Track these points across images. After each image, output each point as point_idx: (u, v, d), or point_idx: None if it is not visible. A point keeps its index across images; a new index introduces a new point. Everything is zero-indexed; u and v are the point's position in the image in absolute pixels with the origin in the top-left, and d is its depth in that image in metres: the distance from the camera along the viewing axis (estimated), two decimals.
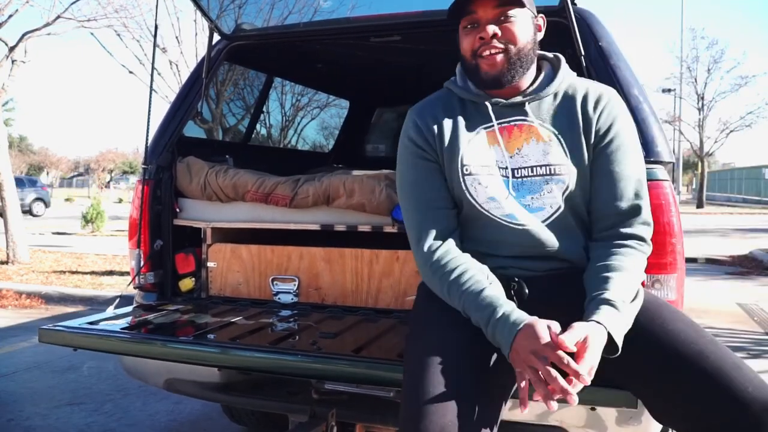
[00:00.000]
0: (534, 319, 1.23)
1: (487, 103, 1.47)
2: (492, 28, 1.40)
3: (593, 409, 1.54)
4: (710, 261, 8.80)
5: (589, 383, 1.15)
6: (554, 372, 1.14)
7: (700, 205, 25.64)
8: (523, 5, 1.42)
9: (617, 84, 1.89)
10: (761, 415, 1.15)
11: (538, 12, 1.50)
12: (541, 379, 1.15)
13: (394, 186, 2.18)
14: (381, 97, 4.64)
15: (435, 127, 1.49)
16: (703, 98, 27.01)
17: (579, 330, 1.20)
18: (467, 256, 1.42)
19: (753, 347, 4.33)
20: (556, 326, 1.21)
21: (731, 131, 27.10)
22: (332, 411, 1.84)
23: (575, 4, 2.06)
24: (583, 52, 1.96)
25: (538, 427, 1.66)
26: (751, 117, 26.64)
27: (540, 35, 1.50)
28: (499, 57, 1.41)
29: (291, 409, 1.93)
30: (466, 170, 1.44)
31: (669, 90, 28.50)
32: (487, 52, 1.41)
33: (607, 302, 1.27)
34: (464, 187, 1.44)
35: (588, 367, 1.16)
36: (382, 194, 2.15)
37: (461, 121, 1.49)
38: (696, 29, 38.66)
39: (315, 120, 4.72)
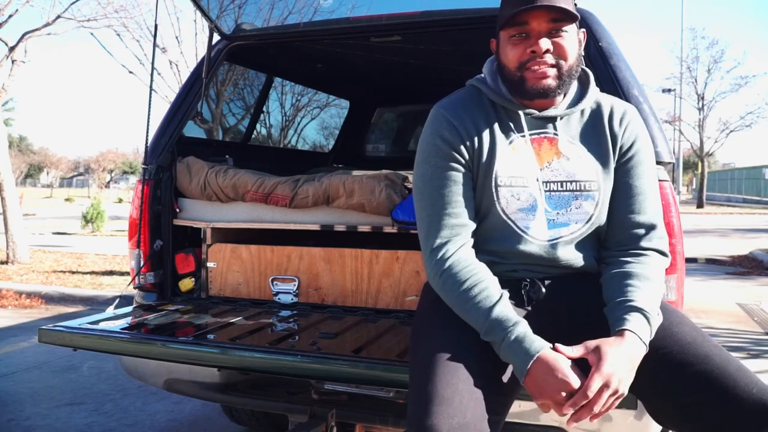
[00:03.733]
0: (553, 353, 1.21)
1: (520, 113, 1.43)
2: (546, 43, 1.35)
3: None
4: (710, 261, 8.80)
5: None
6: (579, 410, 1.18)
7: (700, 205, 25.65)
8: (576, 20, 1.38)
9: (617, 84, 1.89)
10: (766, 416, 1.15)
11: None
12: (564, 412, 1.19)
13: (394, 186, 2.19)
14: (381, 97, 4.64)
15: (473, 131, 1.42)
16: (703, 98, 27.05)
17: (619, 359, 1.20)
18: (481, 266, 1.38)
19: (753, 347, 4.33)
20: (569, 351, 1.21)
21: (731, 131, 27.17)
22: (332, 411, 1.84)
23: (575, 4, 2.06)
24: (583, 53, 1.96)
25: (537, 427, 1.66)
26: (751, 117, 26.73)
27: (581, 49, 1.46)
28: (551, 72, 1.36)
29: (291, 410, 1.93)
30: (500, 181, 1.40)
31: (669, 90, 28.52)
32: (537, 67, 1.35)
33: (639, 310, 1.27)
34: (495, 198, 1.40)
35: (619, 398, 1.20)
36: (382, 194, 2.15)
37: (497, 127, 1.43)
38: (696, 29, 38.92)
39: (315, 120, 4.72)
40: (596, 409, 1.17)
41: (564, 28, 1.36)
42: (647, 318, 1.26)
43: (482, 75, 1.50)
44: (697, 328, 1.34)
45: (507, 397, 1.30)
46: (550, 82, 1.37)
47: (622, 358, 1.20)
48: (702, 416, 1.21)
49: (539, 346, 1.22)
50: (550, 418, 1.60)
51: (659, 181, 1.72)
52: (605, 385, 1.17)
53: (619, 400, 1.20)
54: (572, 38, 1.38)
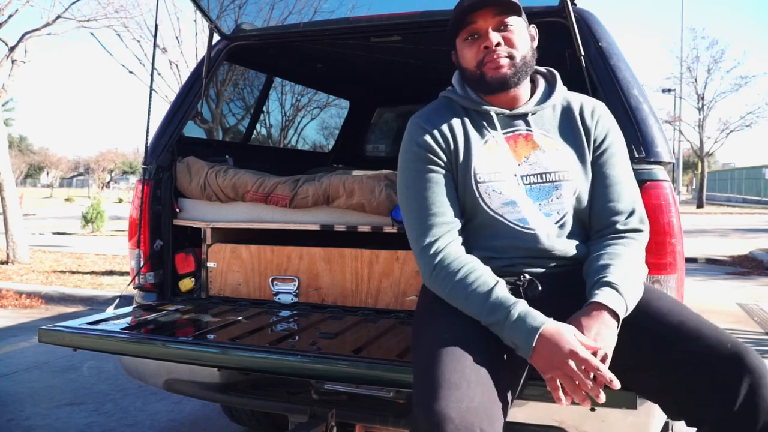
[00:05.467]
0: (557, 325, 1.25)
1: (492, 113, 1.49)
2: (495, 36, 1.43)
3: (593, 409, 1.54)
4: (710, 261, 8.80)
5: (618, 386, 1.19)
6: (588, 381, 1.19)
7: (700, 205, 25.65)
8: (520, 14, 1.46)
9: (617, 84, 1.89)
10: (740, 367, 1.19)
11: (539, 13, 1.53)
12: (576, 386, 1.20)
13: (394, 186, 2.18)
14: (381, 97, 4.64)
15: (447, 133, 1.48)
16: (703, 98, 27.05)
17: (594, 329, 1.25)
18: (471, 257, 1.43)
19: (753, 347, 4.32)
20: (576, 331, 1.25)
21: (731, 131, 27.17)
22: (332, 411, 1.84)
23: (575, 5, 2.06)
24: (582, 53, 1.96)
25: (537, 427, 1.66)
26: (751, 117, 26.74)
27: (534, 44, 1.53)
28: (505, 62, 1.43)
29: (291, 410, 1.93)
30: (480, 178, 1.45)
31: (669, 90, 28.51)
32: (492, 59, 1.43)
33: (609, 284, 1.31)
34: (477, 195, 1.45)
35: (607, 360, 1.24)
36: (382, 194, 2.15)
37: (470, 128, 1.50)
38: (696, 29, 38.94)
39: (315, 120, 4.72)
40: (602, 395, 1.19)
41: (509, 21, 1.44)
42: (616, 289, 1.30)
43: (452, 87, 1.58)
44: (677, 301, 1.41)
45: (512, 383, 1.31)
46: (506, 71, 1.44)
47: (593, 323, 1.26)
48: (682, 380, 1.24)
49: (542, 320, 1.26)
50: (551, 418, 1.60)
51: (659, 180, 1.73)
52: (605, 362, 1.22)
53: (606, 361, 1.23)
54: (521, 31, 1.46)
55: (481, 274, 1.37)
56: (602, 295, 1.29)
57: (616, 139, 1.53)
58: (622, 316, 1.29)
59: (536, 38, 1.55)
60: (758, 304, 5.79)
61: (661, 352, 1.28)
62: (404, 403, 1.77)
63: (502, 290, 1.33)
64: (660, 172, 1.75)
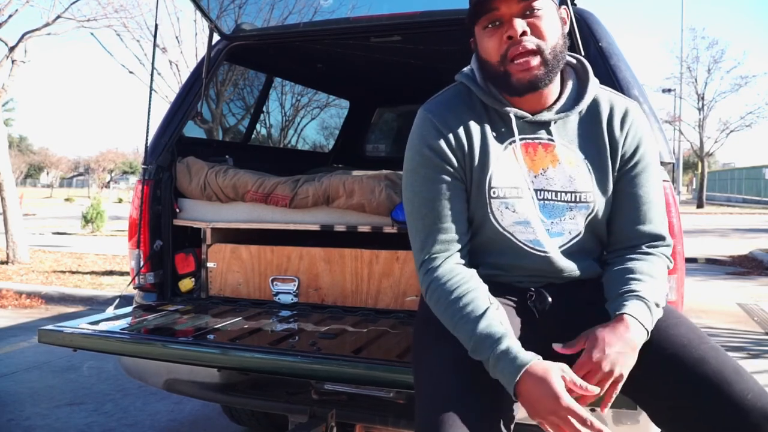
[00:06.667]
0: (544, 366, 1.14)
1: (512, 116, 1.34)
2: (520, 24, 1.24)
3: (593, 409, 1.54)
4: (710, 261, 8.80)
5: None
6: (580, 427, 1.10)
7: (700, 205, 25.67)
8: None
9: (617, 84, 1.89)
10: (760, 423, 1.13)
11: None
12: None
13: (394, 186, 2.19)
14: (381, 97, 4.64)
15: (464, 137, 1.33)
16: (703, 98, 27.10)
17: (616, 346, 1.17)
18: (470, 274, 1.32)
19: (753, 347, 4.33)
20: (567, 370, 1.15)
21: (731, 131, 27.22)
22: (332, 411, 1.84)
23: (575, 4, 2.06)
24: (582, 53, 1.96)
25: (537, 428, 1.66)
26: (751, 117, 26.80)
27: (566, 28, 1.35)
28: (534, 60, 1.26)
29: (291, 410, 1.93)
30: (494, 193, 1.33)
31: (669, 90, 28.54)
32: (519, 58, 1.25)
33: (639, 298, 1.23)
34: (489, 211, 1.33)
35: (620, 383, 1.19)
36: (382, 194, 2.15)
37: (489, 132, 1.34)
38: (696, 29, 39.01)
39: (315, 120, 4.72)
40: (591, 390, 1.14)
41: (536, 6, 1.26)
42: (647, 305, 1.23)
43: (471, 69, 1.41)
44: (695, 328, 1.31)
45: (513, 412, 1.26)
46: (536, 72, 1.26)
47: (616, 341, 1.18)
48: (698, 421, 1.19)
49: (526, 359, 1.15)
50: None
51: None
52: (596, 369, 1.16)
53: (619, 384, 1.18)
54: (550, 16, 1.29)
55: (472, 298, 1.25)
56: (632, 307, 1.21)
57: (647, 150, 1.37)
58: (648, 335, 1.21)
59: (568, 20, 1.37)
60: (758, 304, 5.79)
61: (677, 387, 1.21)
62: (404, 404, 1.77)
63: (489, 321, 1.21)
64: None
